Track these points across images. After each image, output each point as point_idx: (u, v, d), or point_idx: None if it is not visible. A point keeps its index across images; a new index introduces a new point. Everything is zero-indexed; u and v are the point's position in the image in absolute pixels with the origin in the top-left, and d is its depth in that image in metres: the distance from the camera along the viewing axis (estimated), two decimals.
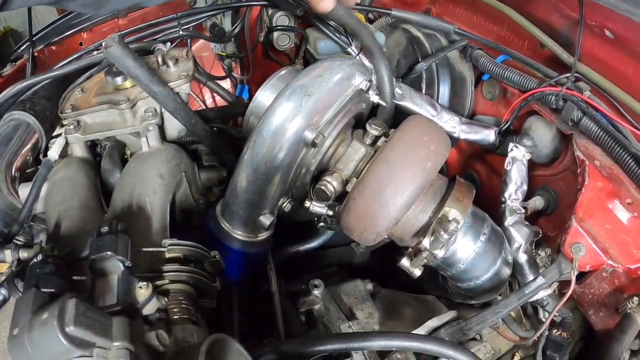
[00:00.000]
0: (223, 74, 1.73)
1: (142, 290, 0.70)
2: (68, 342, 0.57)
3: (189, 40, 1.53)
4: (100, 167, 1.20)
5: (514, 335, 1.21)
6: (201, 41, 1.86)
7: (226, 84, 1.76)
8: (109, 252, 0.72)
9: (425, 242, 1.00)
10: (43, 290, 0.66)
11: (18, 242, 1.04)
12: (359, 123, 1.10)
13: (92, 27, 1.62)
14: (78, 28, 1.60)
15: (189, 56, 1.19)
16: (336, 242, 1.47)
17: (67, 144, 1.19)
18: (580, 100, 1.14)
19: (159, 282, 0.82)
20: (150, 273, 0.83)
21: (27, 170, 1.20)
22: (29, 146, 1.18)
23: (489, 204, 1.20)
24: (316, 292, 1.17)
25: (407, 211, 0.96)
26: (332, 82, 0.95)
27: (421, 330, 1.06)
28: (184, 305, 0.80)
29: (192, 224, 1.30)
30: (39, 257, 0.75)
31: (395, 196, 0.92)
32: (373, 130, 1.01)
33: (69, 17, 1.62)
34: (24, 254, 0.93)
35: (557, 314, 1.11)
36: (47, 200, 1.10)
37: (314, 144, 0.92)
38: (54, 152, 1.16)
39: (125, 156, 1.26)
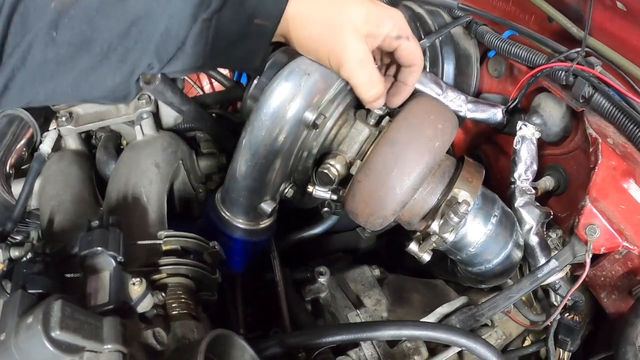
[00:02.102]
0: None
1: (136, 287, 0.67)
2: (54, 348, 0.53)
3: None
4: (95, 159, 1.18)
5: (525, 320, 1.18)
6: None
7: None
8: (99, 248, 0.69)
9: (434, 225, 0.96)
10: (30, 291, 0.62)
11: (12, 241, 1.02)
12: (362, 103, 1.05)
13: None
14: None
15: None
16: (342, 227, 1.44)
17: (60, 136, 1.16)
18: (591, 75, 1.10)
19: (156, 276, 0.79)
20: (146, 267, 0.80)
21: (23, 167, 1.17)
22: (23, 141, 1.15)
23: (497, 185, 1.16)
24: (322, 279, 1.14)
25: (415, 193, 0.92)
26: None
27: (431, 317, 1.03)
28: (182, 300, 0.77)
29: (193, 213, 1.27)
30: (28, 256, 0.72)
31: (402, 178, 0.88)
32: (377, 109, 0.96)
33: None
34: (15, 253, 0.90)
35: (569, 298, 1.08)
36: (41, 195, 1.08)
37: (315, 125, 0.88)
38: (46, 146, 1.13)
39: (121, 147, 1.24)
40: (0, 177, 1.07)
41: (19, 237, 1.10)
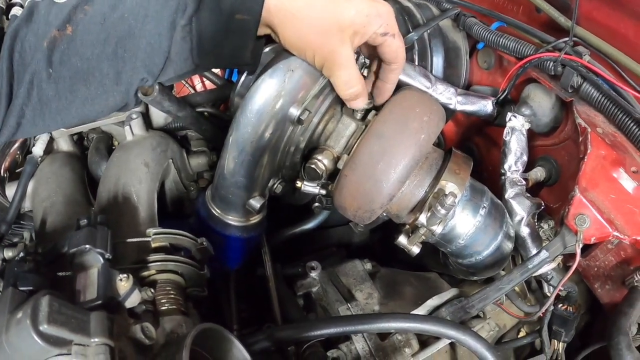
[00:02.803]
0: None
1: (123, 283, 0.68)
2: (43, 341, 0.54)
3: None
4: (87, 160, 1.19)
5: (519, 311, 1.18)
6: None
7: None
8: (87, 246, 0.70)
9: (422, 218, 0.96)
10: (21, 288, 0.64)
11: (7, 242, 1.03)
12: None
13: None
14: None
15: None
16: (336, 221, 1.44)
17: (52, 139, 1.18)
18: (579, 65, 1.10)
19: (145, 273, 0.80)
20: (136, 264, 0.80)
21: (17, 170, 1.19)
22: (17, 144, 1.17)
23: (490, 177, 1.16)
24: (313, 274, 1.15)
25: (402, 186, 0.92)
26: None
27: (421, 309, 1.03)
28: (171, 296, 0.78)
29: (185, 212, 1.28)
30: (20, 256, 0.74)
31: (389, 171, 0.88)
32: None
33: None
34: (8, 254, 0.92)
35: (562, 289, 1.08)
36: (34, 197, 1.09)
37: (299, 121, 0.88)
38: (38, 149, 1.14)
39: (113, 147, 1.25)
40: None
41: (16, 239, 1.12)
